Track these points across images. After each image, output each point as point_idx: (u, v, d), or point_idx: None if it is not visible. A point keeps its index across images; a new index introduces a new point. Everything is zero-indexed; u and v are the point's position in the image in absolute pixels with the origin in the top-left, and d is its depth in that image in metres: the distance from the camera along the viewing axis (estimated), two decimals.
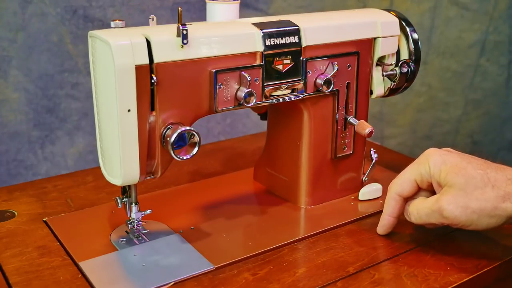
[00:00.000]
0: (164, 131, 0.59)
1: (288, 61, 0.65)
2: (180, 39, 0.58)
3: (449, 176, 0.59)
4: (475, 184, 0.57)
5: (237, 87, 0.63)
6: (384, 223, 0.67)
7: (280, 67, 0.65)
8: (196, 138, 0.59)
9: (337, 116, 0.73)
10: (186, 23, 0.58)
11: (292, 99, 0.68)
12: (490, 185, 0.57)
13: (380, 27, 0.72)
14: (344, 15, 0.74)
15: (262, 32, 0.63)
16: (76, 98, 1.07)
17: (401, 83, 0.75)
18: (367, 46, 0.72)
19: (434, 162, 0.61)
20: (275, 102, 0.66)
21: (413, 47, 0.74)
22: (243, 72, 0.62)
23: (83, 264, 0.61)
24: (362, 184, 0.78)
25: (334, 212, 0.74)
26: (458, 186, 0.58)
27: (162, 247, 0.65)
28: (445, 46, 1.46)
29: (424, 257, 0.64)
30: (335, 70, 0.69)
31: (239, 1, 0.67)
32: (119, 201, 0.65)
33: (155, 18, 0.62)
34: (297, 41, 0.66)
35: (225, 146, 1.00)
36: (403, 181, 0.64)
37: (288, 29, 0.65)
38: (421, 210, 0.61)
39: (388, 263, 0.63)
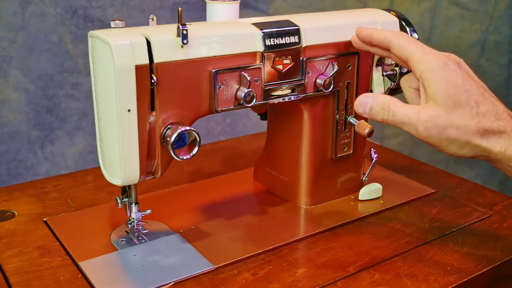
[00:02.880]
0: (164, 131, 0.59)
1: (288, 61, 0.65)
2: (180, 39, 0.58)
3: (439, 94, 0.55)
4: (462, 114, 0.55)
5: (237, 87, 0.63)
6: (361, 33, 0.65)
7: (280, 67, 0.65)
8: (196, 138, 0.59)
9: (337, 116, 0.73)
10: (186, 23, 0.58)
11: (292, 99, 0.67)
12: (476, 120, 0.55)
13: (380, 27, 0.72)
14: (344, 15, 0.74)
15: (262, 32, 0.63)
16: (76, 98, 1.07)
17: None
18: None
19: (431, 68, 0.56)
20: (275, 102, 0.66)
21: None
22: (243, 72, 0.62)
23: (83, 264, 0.61)
24: (362, 184, 0.78)
25: (334, 212, 0.74)
26: (444, 108, 0.55)
27: (162, 247, 0.65)
28: (445, 46, 1.46)
29: (424, 257, 0.64)
30: (335, 70, 0.69)
31: (239, 1, 0.67)
32: (119, 201, 0.65)
33: (155, 18, 0.62)
34: (297, 41, 0.66)
35: (225, 146, 1.00)
36: (403, 46, 0.59)
37: (288, 29, 0.65)
38: (397, 114, 0.57)
39: (388, 263, 0.63)
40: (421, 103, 0.57)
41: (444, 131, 0.55)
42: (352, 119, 0.73)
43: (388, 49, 0.61)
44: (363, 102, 0.59)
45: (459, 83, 0.55)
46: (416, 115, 0.56)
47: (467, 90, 0.55)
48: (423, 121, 0.55)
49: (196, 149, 0.60)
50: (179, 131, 0.58)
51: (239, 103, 0.63)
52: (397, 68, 0.75)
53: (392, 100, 0.58)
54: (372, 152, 0.77)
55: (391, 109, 0.57)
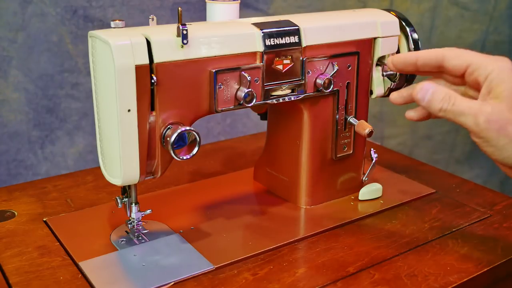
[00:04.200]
0: (164, 131, 0.59)
1: (288, 61, 0.65)
2: (180, 39, 0.58)
3: (507, 93, 0.54)
4: None
5: (237, 87, 0.63)
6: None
7: (280, 67, 0.65)
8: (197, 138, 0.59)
9: (337, 116, 0.73)
10: (186, 23, 0.58)
11: (292, 99, 0.67)
12: None
13: (380, 27, 0.72)
14: (344, 15, 0.74)
15: (262, 32, 0.63)
16: (76, 98, 1.07)
17: (401, 83, 0.75)
18: (367, 46, 0.72)
19: (501, 70, 0.56)
20: (275, 102, 0.66)
21: (413, 47, 0.74)
22: (243, 72, 0.62)
23: (83, 264, 0.61)
24: (362, 184, 0.78)
25: (334, 212, 0.74)
26: (508, 106, 0.54)
27: (162, 247, 0.65)
28: (445, 46, 1.46)
29: (424, 257, 0.64)
30: (335, 70, 0.69)
31: (239, 1, 0.67)
32: (119, 201, 0.65)
33: (155, 18, 0.62)
34: (297, 41, 0.66)
35: (225, 146, 1.00)
36: (460, 55, 0.59)
37: (288, 29, 0.65)
38: (457, 103, 0.56)
39: (388, 263, 0.63)
40: (480, 100, 0.57)
41: (506, 127, 0.54)
42: (352, 119, 0.73)
43: (438, 66, 0.61)
44: (424, 88, 0.57)
45: None
46: (479, 105, 0.55)
47: None
48: (485, 113, 0.54)
49: (196, 149, 0.60)
50: (179, 131, 0.58)
51: (239, 103, 0.63)
52: None
53: (454, 92, 0.57)
54: (372, 152, 0.77)
55: (452, 99, 0.56)
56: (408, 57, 0.63)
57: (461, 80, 0.61)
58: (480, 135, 0.55)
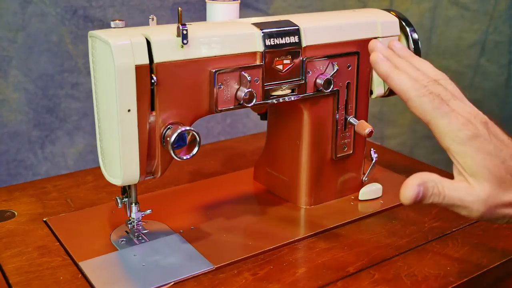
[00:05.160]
0: (164, 131, 0.59)
1: (288, 61, 0.65)
2: (180, 39, 0.58)
3: (479, 170, 0.51)
4: (505, 189, 0.52)
5: (237, 87, 0.63)
6: None
7: (280, 67, 0.65)
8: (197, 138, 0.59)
9: (337, 116, 0.73)
10: (186, 23, 0.58)
11: (292, 99, 0.67)
12: None
13: (380, 27, 0.73)
14: (344, 15, 0.74)
15: (262, 32, 0.63)
16: (76, 98, 1.07)
17: None
18: (367, 46, 0.72)
19: (460, 141, 0.52)
20: (275, 102, 0.66)
21: (413, 47, 0.74)
22: (243, 72, 0.62)
23: (83, 264, 0.61)
24: (362, 184, 0.78)
25: (334, 212, 0.74)
26: (492, 187, 0.52)
27: (162, 247, 0.65)
28: (445, 46, 1.46)
29: (424, 257, 0.64)
30: (335, 70, 0.69)
31: (239, 1, 0.67)
32: (119, 201, 0.65)
33: (155, 18, 0.62)
34: (297, 41, 0.66)
35: (225, 146, 1.00)
36: (423, 110, 0.53)
37: (288, 29, 0.65)
38: (448, 197, 0.53)
39: (388, 263, 0.63)
40: (461, 178, 0.53)
41: (496, 211, 0.53)
42: (352, 119, 0.73)
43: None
44: (416, 194, 0.53)
45: (493, 155, 0.52)
46: (469, 197, 0.52)
47: (502, 162, 0.52)
48: (477, 205, 0.52)
49: (196, 149, 0.60)
50: (179, 131, 0.58)
51: (239, 103, 0.63)
52: None
53: (440, 182, 0.53)
54: (372, 152, 0.77)
55: (442, 193, 0.53)
56: (381, 73, 0.58)
57: None
58: (471, 217, 0.54)
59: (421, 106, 0.54)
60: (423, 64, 0.59)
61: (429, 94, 0.54)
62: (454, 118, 0.53)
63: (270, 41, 0.64)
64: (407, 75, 0.57)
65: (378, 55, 0.59)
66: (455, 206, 0.53)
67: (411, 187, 0.52)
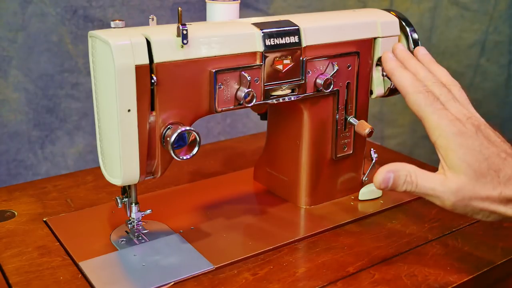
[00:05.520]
0: (164, 131, 0.59)
1: (288, 61, 0.65)
2: (180, 39, 0.58)
3: (458, 163, 0.54)
4: (484, 184, 0.54)
5: (237, 87, 0.63)
6: None
7: (280, 67, 0.65)
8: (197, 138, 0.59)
9: (337, 116, 0.73)
10: (186, 23, 0.58)
11: (292, 99, 0.68)
12: (498, 190, 0.53)
13: (380, 27, 0.73)
14: (344, 15, 0.74)
15: (262, 32, 0.63)
16: (76, 98, 1.07)
17: None
18: (367, 46, 0.72)
19: (446, 135, 0.54)
20: (275, 102, 0.66)
21: (413, 47, 0.74)
22: (243, 72, 0.62)
23: (83, 264, 0.61)
24: (362, 184, 0.78)
25: (334, 212, 0.74)
26: (467, 180, 0.53)
27: (162, 247, 0.65)
28: (445, 46, 1.46)
29: (424, 257, 0.64)
30: (335, 70, 0.69)
31: (239, 1, 0.67)
32: (119, 201, 0.65)
33: (155, 18, 0.62)
34: (297, 41, 0.66)
35: (225, 146, 1.00)
36: (418, 106, 0.57)
37: (288, 29, 0.65)
38: (420, 186, 0.55)
39: (388, 263, 0.63)
40: (441, 171, 0.55)
41: (470, 203, 0.54)
42: (352, 119, 0.73)
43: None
44: (385, 179, 0.56)
45: (476, 151, 0.54)
46: (441, 187, 0.54)
47: (486, 158, 0.54)
48: (448, 195, 0.54)
49: (196, 149, 0.60)
50: (179, 131, 0.58)
51: (239, 103, 0.63)
52: None
53: (415, 172, 0.55)
54: (372, 152, 0.77)
55: (414, 181, 0.55)
56: (387, 70, 0.63)
57: None
58: (444, 208, 0.55)
59: (416, 101, 0.58)
60: (439, 70, 0.63)
61: (425, 92, 0.58)
62: (444, 115, 0.56)
63: (270, 41, 0.64)
64: (410, 74, 0.61)
65: (388, 54, 0.65)
66: (428, 196, 0.55)
67: (381, 173, 0.56)
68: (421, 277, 0.60)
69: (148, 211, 0.67)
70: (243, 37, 0.63)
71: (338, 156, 0.75)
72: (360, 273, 0.61)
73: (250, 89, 0.62)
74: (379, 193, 0.78)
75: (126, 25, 0.59)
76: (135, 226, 0.67)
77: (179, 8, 0.57)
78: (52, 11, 1.01)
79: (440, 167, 0.56)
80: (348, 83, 0.72)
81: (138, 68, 0.56)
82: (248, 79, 0.62)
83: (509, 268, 0.65)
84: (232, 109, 0.63)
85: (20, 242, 0.66)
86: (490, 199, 0.54)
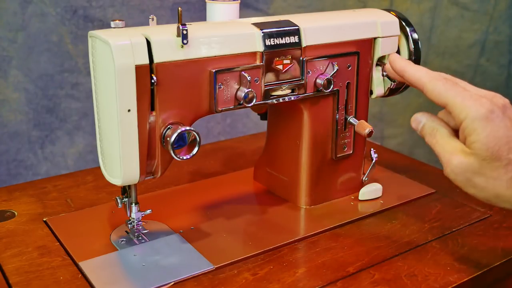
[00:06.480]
0: (164, 131, 0.59)
1: (288, 61, 0.65)
2: (180, 39, 0.58)
3: (478, 145, 0.53)
4: (496, 167, 0.53)
5: (237, 87, 0.63)
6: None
7: (280, 67, 0.65)
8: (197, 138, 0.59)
9: (337, 116, 0.73)
10: (186, 23, 0.58)
11: (292, 99, 0.68)
12: (510, 174, 0.53)
13: (380, 27, 0.72)
14: (344, 15, 0.74)
15: (262, 32, 0.63)
16: (76, 98, 1.07)
17: (401, 83, 0.75)
18: (367, 46, 0.72)
19: (474, 118, 0.53)
20: (275, 102, 0.66)
21: (413, 47, 0.74)
22: (243, 72, 0.62)
23: (83, 264, 0.61)
24: (362, 184, 0.78)
25: (334, 212, 0.74)
26: (478, 159, 0.53)
27: (162, 247, 0.65)
28: (445, 46, 1.46)
29: (424, 257, 0.64)
30: (335, 70, 0.69)
31: (239, 1, 0.67)
32: (119, 201, 0.65)
33: (155, 18, 0.62)
34: (297, 41, 0.66)
35: (225, 146, 1.00)
36: (439, 92, 0.56)
37: (288, 29, 0.65)
38: (437, 145, 0.56)
39: (388, 263, 0.63)
40: (461, 140, 0.55)
41: (472, 179, 0.54)
42: (352, 119, 0.73)
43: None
44: (417, 119, 0.59)
45: (500, 134, 0.53)
46: (449, 155, 0.55)
47: (508, 142, 0.53)
48: (452, 165, 0.54)
49: (196, 149, 0.60)
50: (179, 131, 0.58)
51: (239, 103, 0.63)
52: None
53: (440, 129, 0.57)
54: (372, 152, 0.77)
55: (435, 138, 0.57)
56: (398, 68, 0.62)
57: None
58: (447, 177, 0.56)
59: (435, 89, 0.57)
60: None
61: (443, 78, 0.57)
62: (468, 96, 0.55)
63: (270, 41, 0.64)
64: (422, 67, 0.60)
65: (395, 54, 0.66)
66: (438, 156, 0.56)
67: (418, 115, 0.59)
68: (421, 277, 0.60)
69: (148, 211, 0.67)
70: (243, 37, 0.63)
71: (338, 156, 0.75)
72: (360, 273, 0.61)
73: (250, 89, 0.62)
74: (379, 193, 0.78)
75: (126, 25, 0.59)
76: (135, 226, 0.67)
77: (179, 8, 0.57)
78: (52, 11, 1.01)
79: (461, 133, 0.55)
80: (348, 83, 0.72)
81: (138, 68, 0.56)
82: (248, 79, 0.62)
83: (508, 268, 0.65)
84: (232, 109, 0.63)
85: (20, 242, 0.66)
86: (496, 180, 0.53)
